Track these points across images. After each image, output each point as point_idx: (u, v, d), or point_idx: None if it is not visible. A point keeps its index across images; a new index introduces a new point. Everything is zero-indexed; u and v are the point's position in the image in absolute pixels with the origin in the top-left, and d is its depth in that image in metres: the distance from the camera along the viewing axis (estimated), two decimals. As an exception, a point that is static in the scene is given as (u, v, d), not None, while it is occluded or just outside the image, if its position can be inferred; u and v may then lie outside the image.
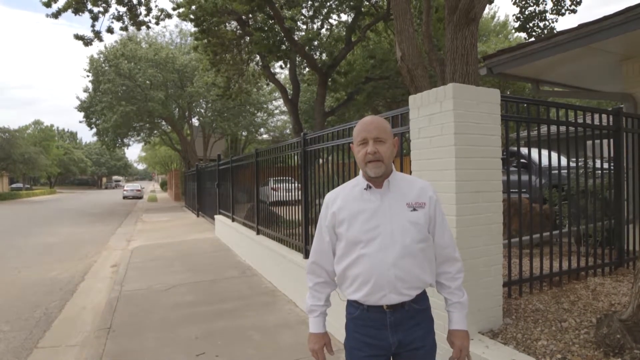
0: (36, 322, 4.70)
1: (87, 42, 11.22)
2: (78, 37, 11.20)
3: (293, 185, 5.63)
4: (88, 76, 24.12)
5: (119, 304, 5.09)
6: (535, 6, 10.04)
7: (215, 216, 11.03)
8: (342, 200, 1.70)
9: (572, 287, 3.58)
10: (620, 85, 6.22)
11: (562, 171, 4.01)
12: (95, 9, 10.58)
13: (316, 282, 1.79)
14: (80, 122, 26.86)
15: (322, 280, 1.79)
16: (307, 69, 16.60)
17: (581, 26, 4.95)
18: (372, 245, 1.60)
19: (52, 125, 57.85)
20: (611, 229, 4.21)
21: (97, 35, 11.11)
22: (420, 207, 1.66)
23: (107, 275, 6.91)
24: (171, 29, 51.73)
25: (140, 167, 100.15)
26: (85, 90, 25.50)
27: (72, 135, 75.70)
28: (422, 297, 1.70)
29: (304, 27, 14.75)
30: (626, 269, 4.13)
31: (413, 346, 1.64)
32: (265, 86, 22.38)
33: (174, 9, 12.24)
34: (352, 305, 1.71)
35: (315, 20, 14.58)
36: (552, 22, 10.08)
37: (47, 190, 50.77)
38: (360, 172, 1.73)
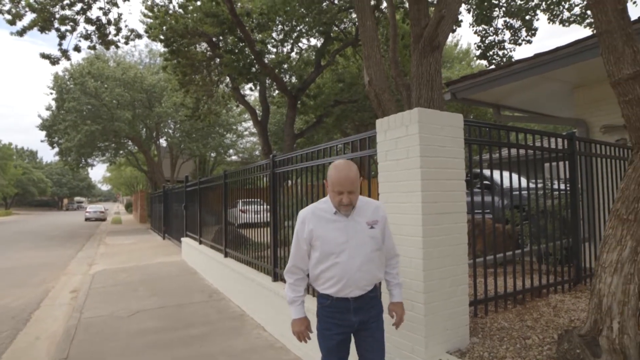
0: (-15, 354, 4.40)
1: (54, 61, 10.92)
2: (44, 56, 10.87)
3: (262, 207, 5.60)
4: (51, 94, 23.41)
5: (78, 332, 4.84)
6: (494, 36, 10.61)
7: (182, 239, 10.77)
8: (316, 221, 2.17)
9: (534, 304, 3.69)
10: (573, 111, 6.60)
11: (523, 192, 4.18)
12: (63, 28, 10.34)
13: (296, 278, 2.27)
14: (42, 141, 25.86)
15: (301, 276, 2.28)
16: (276, 92, 16.73)
17: (537, 56, 5.26)
18: (343, 256, 2.13)
19: (10, 144, 55.16)
20: (569, 248, 4.39)
21: (65, 54, 10.81)
22: (376, 224, 2.21)
23: (65, 302, 6.58)
24: (140, 49, 51.13)
25: (105, 188, 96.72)
26: (48, 109, 24.70)
27: (32, 155, 72.59)
28: (375, 287, 2.27)
29: (274, 50, 14.94)
30: (584, 286, 4.30)
31: (370, 322, 2.21)
32: (234, 108, 22.36)
33: (145, 31, 12.15)
34: (323, 297, 2.23)
35: (286, 44, 14.81)
36: (510, 51, 10.67)
37: (3, 212, 48.16)
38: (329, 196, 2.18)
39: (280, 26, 13.95)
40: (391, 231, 2.41)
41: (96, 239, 17.53)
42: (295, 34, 14.28)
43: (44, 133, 25.00)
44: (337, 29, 13.89)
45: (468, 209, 3.04)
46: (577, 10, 10.01)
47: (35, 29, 9.93)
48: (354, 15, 12.91)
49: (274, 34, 14.30)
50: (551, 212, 4.34)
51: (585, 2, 9.32)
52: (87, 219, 33.04)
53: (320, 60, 14.12)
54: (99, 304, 6.16)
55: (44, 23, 9.87)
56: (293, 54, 15.44)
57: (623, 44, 2.42)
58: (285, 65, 14.88)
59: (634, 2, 9.24)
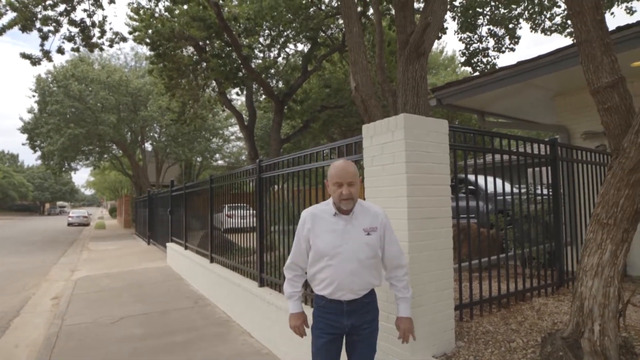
0: (-38, 364, 4.28)
1: (35, 62, 10.70)
2: (25, 55, 10.66)
3: (248, 212, 5.58)
4: (34, 96, 22.96)
5: (59, 340, 4.74)
6: (479, 43, 10.79)
7: (167, 244, 10.64)
8: (316, 221, 2.22)
9: (518, 308, 3.74)
10: (555, 118, 6.73)
11: (507, 197, 4.24)
12: (45, 28, 10.16)
13: (295, 274, 2.34)
14: (23, 144, 25.31)
15: (299, 273, 2.34)
16: (263, 96, 16.69)
17: (519, 63, 5.36)
18: (336, 258, 2.15)
19: (-11, 148, 54.08)
20: (552, 251, 4.47)
21: (47, 55, 10.63)
22: (373, 231, 2.19)
23: (46, 309, 6.44)
24: (126, 52, 50.54)
25: (88, 192, 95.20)
26: (30, 111, 24.25)
27: (13, 158, 71.07)
28: (370, 293, 2.26)
29: (261, 55, 14.92)
30: (566, 289, 4.38)
31: (362, 327, 2.22)
32: (221, 112, 22.25)
33: (130, 33, 12.02)
34: (319, 297, 2.26)
35: (273, 49, 14.80)
36: (494, 59, 10.86)
37: (-19, 218, 46.94)
38: (331, 198, 2.21)
39: (267, 31, 13.95)
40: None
41: (79, 245, 17.22)
42: (282, 39, 14.29)
43: (25, 136, 24.52)
44: (324, 34, 13.95)
45: (453, 214, 3.08)
46: (558, 20, 10.25)
47: (16, 28, 9.73)
48: (340, 22, 13.00)
49: (260, 39, 14.28)
50: (534, 217, 4.42)
51: (566, 12, 9.55)
52: (69, 224, 32.39)
53: (307, 65, 14.15)
54: (81, 310, 6.04)
55: (25, 23, 9.67)
56: (280, 59, 15.44)
57: (602, 53, 2.49)
58: (272, 70, 14.87)
59: (612, 14, 9.51)
